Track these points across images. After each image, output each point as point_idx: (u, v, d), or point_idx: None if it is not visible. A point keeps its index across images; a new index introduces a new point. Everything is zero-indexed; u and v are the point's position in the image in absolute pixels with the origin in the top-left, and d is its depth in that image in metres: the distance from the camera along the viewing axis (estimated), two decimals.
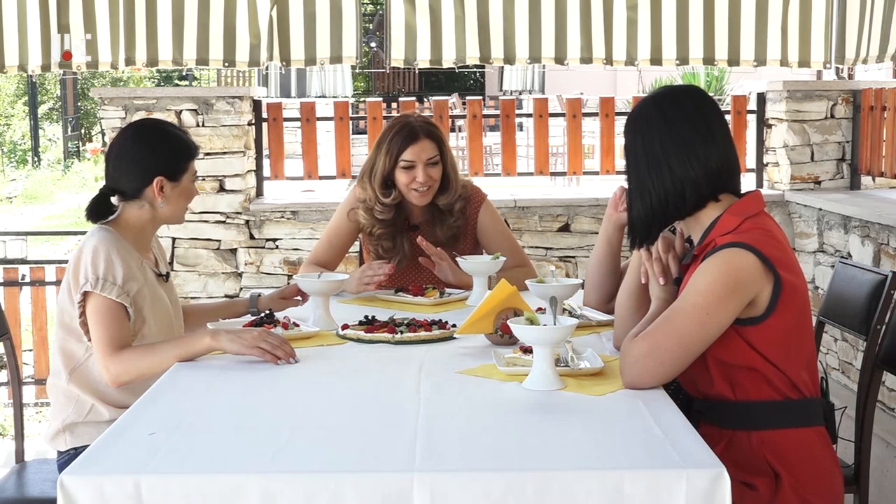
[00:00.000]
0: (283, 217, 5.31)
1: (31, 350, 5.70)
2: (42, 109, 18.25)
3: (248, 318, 2.99)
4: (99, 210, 2.82)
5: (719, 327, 2.26)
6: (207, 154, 5.23)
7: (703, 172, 2.35)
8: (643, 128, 2.41)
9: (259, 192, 5.52)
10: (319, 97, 17.50)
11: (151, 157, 2.81)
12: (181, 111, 5.24)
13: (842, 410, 2.55)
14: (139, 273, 2.77)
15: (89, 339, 2.72)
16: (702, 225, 2.39)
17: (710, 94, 13.04)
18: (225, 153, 5.26)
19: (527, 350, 2.50)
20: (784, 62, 5.41)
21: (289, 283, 3.58)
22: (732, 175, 2.41)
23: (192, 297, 5.24)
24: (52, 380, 2.86)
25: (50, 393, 2.88)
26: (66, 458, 2.74)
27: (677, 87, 2.53)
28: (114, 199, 2.83)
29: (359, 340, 2.80)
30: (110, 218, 2.83)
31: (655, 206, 2.39)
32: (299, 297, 3.12)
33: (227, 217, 5.29)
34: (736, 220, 2.34)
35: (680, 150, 2.35)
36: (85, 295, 2.69)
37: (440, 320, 2.89)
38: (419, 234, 3.54)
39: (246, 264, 5.30)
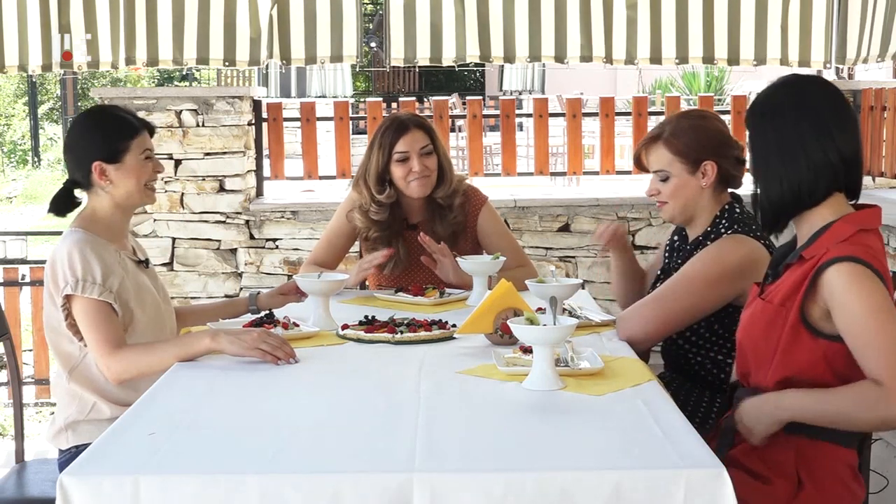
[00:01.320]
0: (283, 217, 5.30)
1: (31, 350, 5.70)
2: (42, 109, 18.23)
3: (248, 317, 3.00)
4: (60, 204, 2.84)
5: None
6: (207, 154, 5.23)
7: (839, 158, 2.25)
8: (774, 114, 2.30)
9: (259, 192, 5.52)
10: (319, 97, 17.50)
11: (85, 144, 2.82)
12: (181, 111, 5.23)
13: (872, 441, 2.51)
14: (118, 266, 2.77)
15: (80, 340, 2.73)
16: (812, 225, 2.28)
17: (710, 93, 12.97)
18: (225, 153, 5.26)
19: (527, 350, 2.50)
20: (784, 61, 5.41)
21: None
22: (859, 167, 2.31)
23: (192, 297, 5.24)
24: (55, 380, 2.87)
25: (54, 392, 2.89)
26: (68, 457, 2.74)
27: (803, 76, 2.40)
28: (77, 192, 2.86)
29: (359, 340, 2.80)
30: (78, 212, 2.84)
31: (787, 193, 2.27)
32: (298, 294, 3.13)
33: (227, 217, 5.29)
34: (850, 228, 2.23)
35: (815, 134, 2.24)
36: (68, 298, 2.69)
37: (440, 320, 2.89)
38: (418, 232, 3.53)
39: (246, 264, 5.30)
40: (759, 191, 2.34)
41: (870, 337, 2.15)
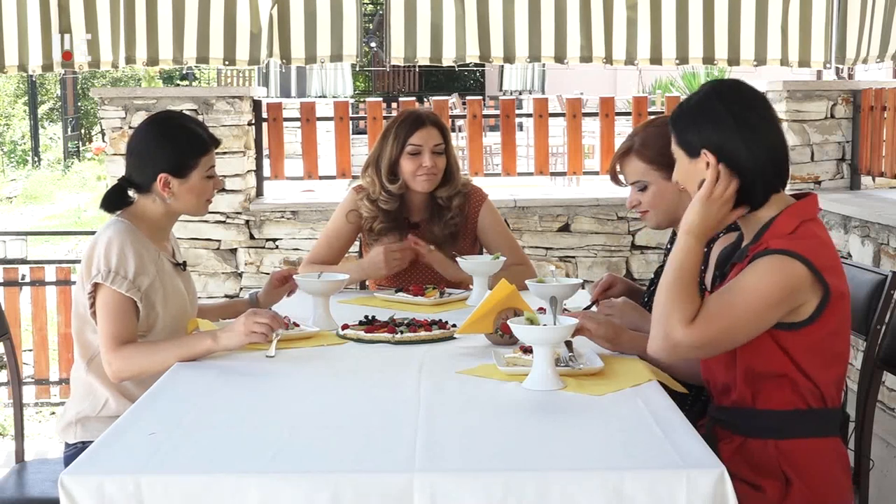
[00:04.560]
0: (283, 217, 5.31)
1: (31, 350, 5.70)
2: (42, 109, 18.25)
3: None
4: (113, 200, 2.83)
5: (759, 331, 2.22)
6: None
7: (771, 162, 2.28)
8: (708, 123, 2.30)
9: (259, 192, 5.52)
10: (319, 97, 17.50)
11: (156, 154, 2.81)
12: (181, 111, 5.23)
13: (856, 423, 2.52)
14: (152, 266, 2.77)
15: None
16: (757, 222, 2.31)
17: None
18: (225, 153, 5.26)
19: (527, 350, 2.50)
20: (784, 62, 5.40)
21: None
22: (786, 161, 2.34)
23: None
24: (74, 371, 2.88)
25: (71, 384, 2.89)
26: (74, 451, 2.75)
27: (726, 80, 2.41)
28: (131, 192, 2.85)
29: (359, 340, 2.80)
30: (127, 208, 2.84)
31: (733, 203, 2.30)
32: (289, 283, 3.14)
33: (227, 217, 5.29)
34: (793, 222, 2.26)
35: (748, 141, 2.27)
36: (95, 286, 2.70)
37: (440, 320, 2.89)
38: (418, 232, 3.54)
39: (246, 264, 5.30)
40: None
41: (732, 303, 2.20)
